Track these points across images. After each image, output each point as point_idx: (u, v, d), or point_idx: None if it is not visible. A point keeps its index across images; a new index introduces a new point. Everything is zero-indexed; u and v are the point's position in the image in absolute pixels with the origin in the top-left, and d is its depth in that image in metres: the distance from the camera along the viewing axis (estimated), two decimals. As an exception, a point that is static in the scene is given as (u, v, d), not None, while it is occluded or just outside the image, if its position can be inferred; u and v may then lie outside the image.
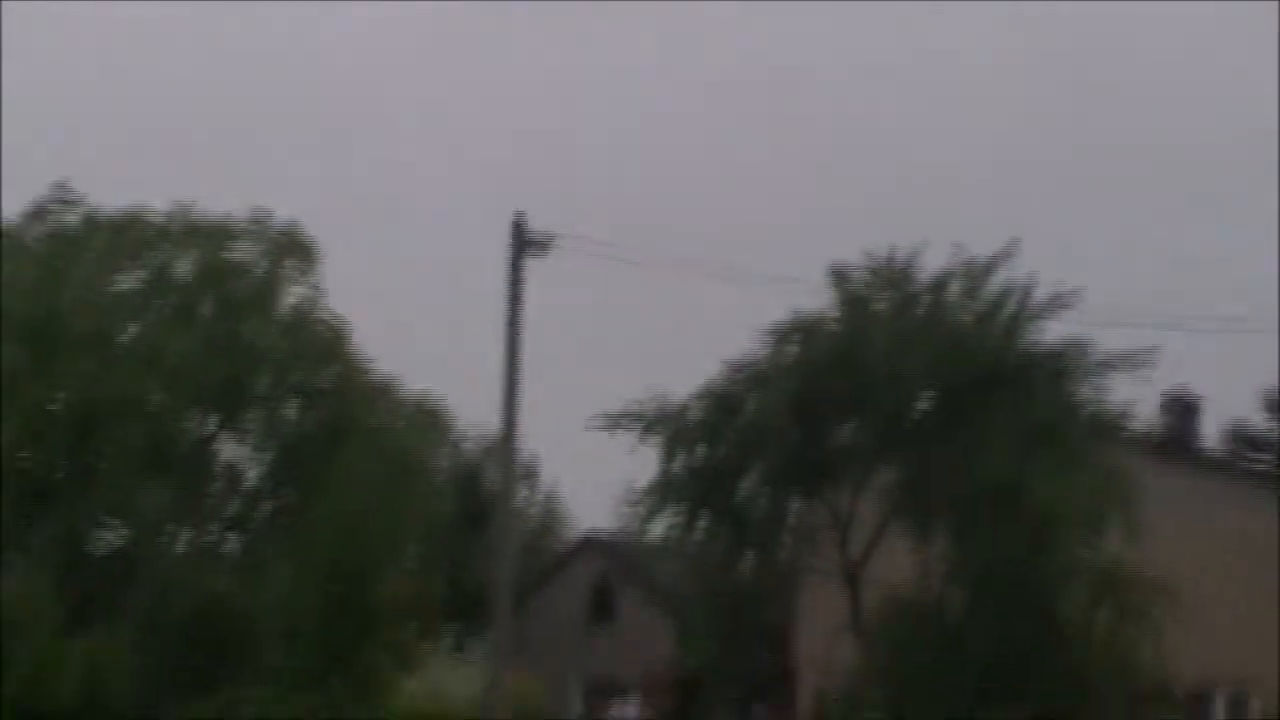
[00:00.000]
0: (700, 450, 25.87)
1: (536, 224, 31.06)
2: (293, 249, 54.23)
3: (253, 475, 56.37)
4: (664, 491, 25.79)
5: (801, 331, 25.65)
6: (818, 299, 26.14)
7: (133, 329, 51.55)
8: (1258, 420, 58.91)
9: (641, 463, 26.57)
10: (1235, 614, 38.33)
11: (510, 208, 31.32)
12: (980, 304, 25.24)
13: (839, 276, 25.93)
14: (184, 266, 53.58)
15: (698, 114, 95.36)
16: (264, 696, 38.66)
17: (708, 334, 45.60)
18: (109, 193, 54.56)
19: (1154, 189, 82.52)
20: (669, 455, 25.74)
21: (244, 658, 40.36)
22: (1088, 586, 24.51)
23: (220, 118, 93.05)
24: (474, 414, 70.67)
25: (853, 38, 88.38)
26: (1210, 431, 52.57)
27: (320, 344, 54.10)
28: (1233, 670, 39.38)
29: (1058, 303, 25.02)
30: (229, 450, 55.82)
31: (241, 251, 53.85)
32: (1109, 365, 24.71)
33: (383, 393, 56.30)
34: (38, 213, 51.93)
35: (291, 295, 54.77)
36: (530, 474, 70.10)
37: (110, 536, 50.14)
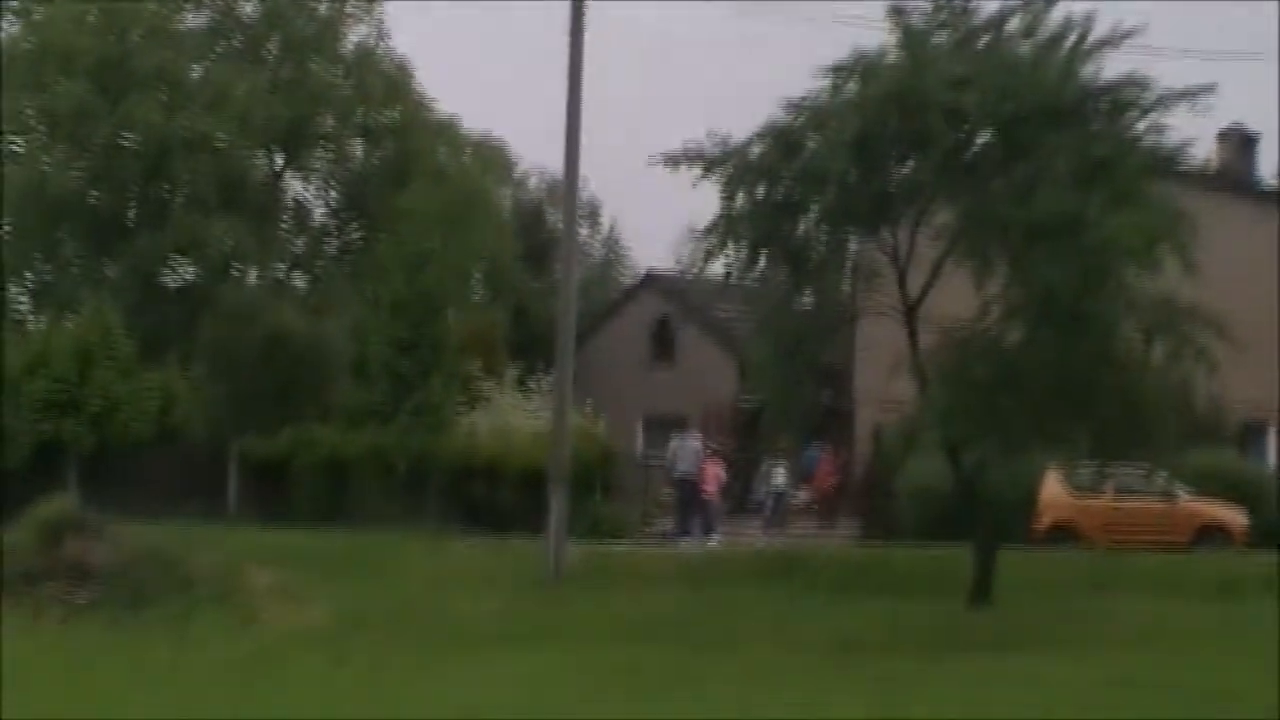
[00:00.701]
0: (761, 189, 25.70)
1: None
2: (355, -13, 54.10)
3: (319, 213, 56.97)
4: (724, 230, 25.64)
5: (861, 69, 25.32)
6: (878, 37, 25.82)
7: (200, 68, 51.71)
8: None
9: (702, 202, 26.48)
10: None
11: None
12: (1040, 39, 24.89)
13: (899, 14, 25.56)
14: (249, 6, 53.57)
15: None
16: (332, 431, 39.33)
17: (768, 73, 45.31)
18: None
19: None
20: (729, 194, 25.57)
21: (312, 392, 41.00)
22: (1143, 320, 24.49)
23: None
24: (536, 155, 70.72)
25: None
26: (1268, 166, 52.31)
27: (384, 83, 54.28)
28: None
29: (1117, 37, 24.66)
30: (296, 189, 56.41)
31: (305, -10, 53.74)
32: (1167, 100, 24.40)
33: (446, 131, 56.56)
34: (100, -49, 51.79)
35: (355, 35, 54.78)
36: (592, 213, 70.32)
37: (181, 273, 50.89)
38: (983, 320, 25.38)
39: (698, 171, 25.54)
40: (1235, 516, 34.04)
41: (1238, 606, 25.64)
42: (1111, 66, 24.85)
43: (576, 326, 33.66)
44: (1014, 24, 25.08)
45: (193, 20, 53.25)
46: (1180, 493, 33.42)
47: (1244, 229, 39.97)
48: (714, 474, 38.66)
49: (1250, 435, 40.69)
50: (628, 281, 65.57)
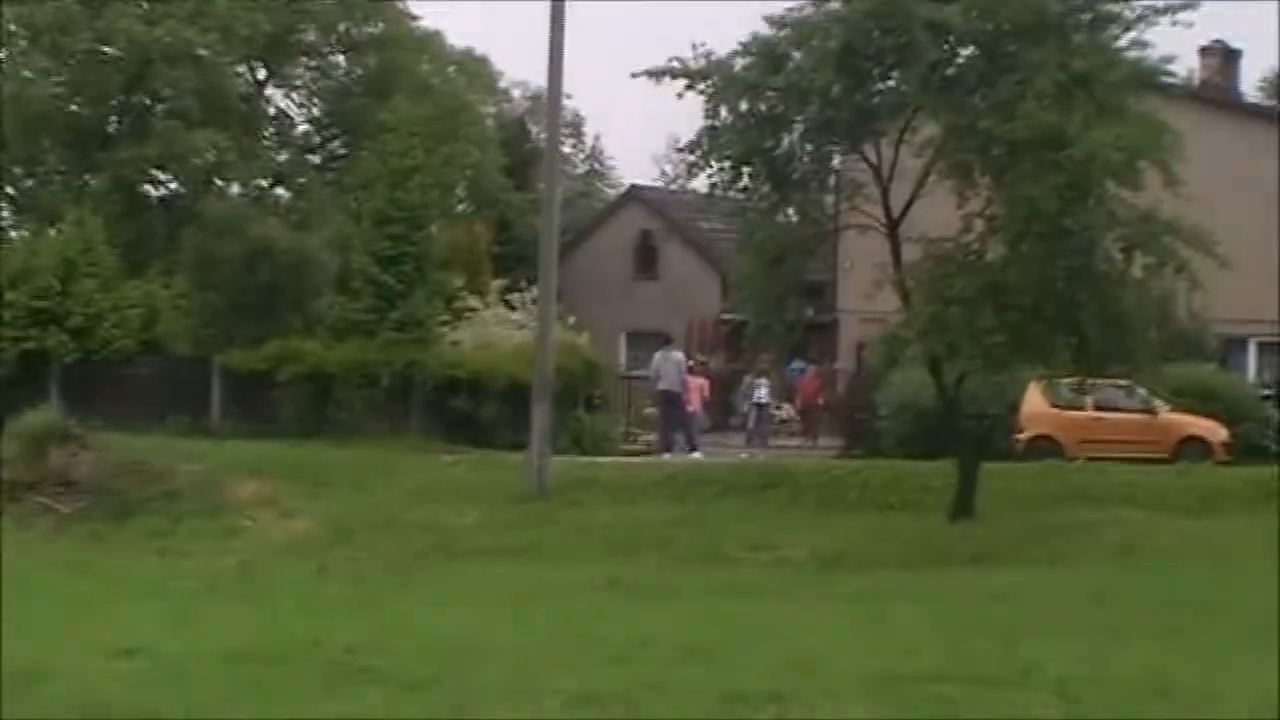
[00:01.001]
0: (744, 104, 25.69)
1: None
2: (337, -101, 53.66)
3: (302, 126, 56.78)
4: (708, 145, 25.65)
5: (845, -17, 25.27)
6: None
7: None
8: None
9: (686, 117, 26.45)
10: (1272, 261, 38.52)
11: None
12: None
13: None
14: (230, -84, 53.13)
15: None
16: (315, 344, 39.27)
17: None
18: None
19: None
20: (713, 109, 25.56)
21: (296, 305, 40.93)
22: (1124, 235, 24.52)
23: None
24: (520, 69, 70.25)
25: None
26: (1249, 81, 52.42)
27: (366, -4, 54.05)
28: (1268, 317, 39.73)
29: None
30: (278, 101, 56.21)
31: (286, -100, 53.28)
32: (1149, 15, 24.41)
33: (429, 45, 56.30)
34: None
35: (337, -54, 54.36)
36: (575, 128, 70.12)
37: (163, 185, 50.77)
38: (965, 235, 25.44)
39: (682, 85, 25.50)
40: (1215, 430, 34.16)
41: (1219, 520, 25.80)
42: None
43: (560, 241, 33.62)
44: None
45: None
46: (1160, 406, 33.53)
47: (1226, 144, 39.96)
48: (697, 388, 38.72)
49: (1232, 349, 40.82)
50: (611, 196, 65.50)
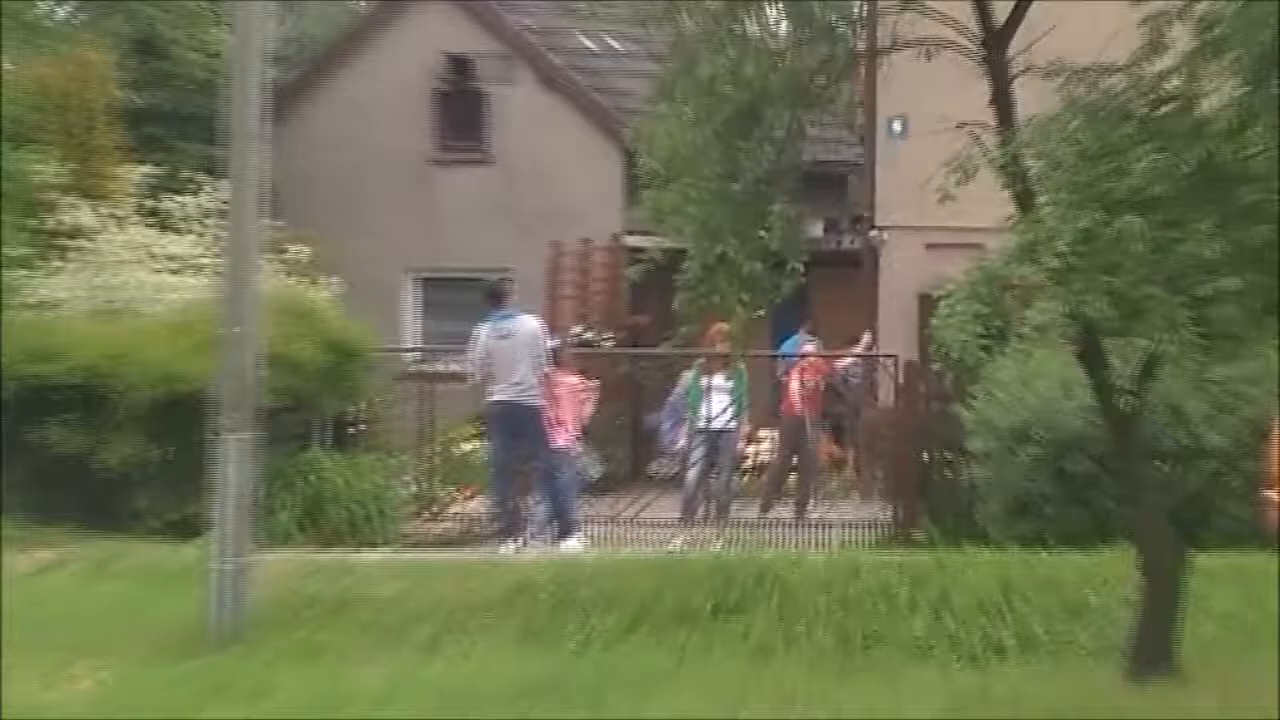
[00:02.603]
0: None
1: None
2: None
3: None
4: None
5: None
6: None
7: None
8: None
9: None
10: None
11: None
12: None
13: None
14: None
15: None
16: None
17: None
18: None
19: None
20: None
21: None
22: None
23: None
24: None
25: None
26: None
27: None
28: None
29: None
30: None
31: None
32: None
33: None
34: None
35: None
36: None
37: None
38: (1150, 63, 24.85)
39: None
40: None
41: None
42: None
43: (273, 85, 32.91)
44: None
45: None
46: None
47: None
48: (571, 395, 38.21)
49: None
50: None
